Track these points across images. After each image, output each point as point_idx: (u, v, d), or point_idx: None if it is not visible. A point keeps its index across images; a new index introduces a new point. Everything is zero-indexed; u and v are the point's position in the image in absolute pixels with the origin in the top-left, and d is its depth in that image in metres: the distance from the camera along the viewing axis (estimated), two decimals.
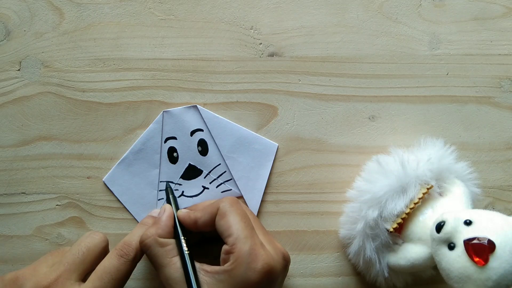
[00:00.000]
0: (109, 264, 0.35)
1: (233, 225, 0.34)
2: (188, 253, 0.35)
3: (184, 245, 0.36)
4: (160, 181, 0.42)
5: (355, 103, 0.43)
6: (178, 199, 0.42)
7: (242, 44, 0.43)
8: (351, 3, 0.43)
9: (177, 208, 0.39)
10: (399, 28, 0.43)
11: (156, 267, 0.36)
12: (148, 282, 0.42)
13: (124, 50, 0.42)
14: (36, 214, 0.42)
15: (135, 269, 0.36)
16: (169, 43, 0.42)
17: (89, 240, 0.36)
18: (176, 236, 0.37)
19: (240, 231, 0.34)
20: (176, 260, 0.35)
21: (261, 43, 0.43)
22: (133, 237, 0.37)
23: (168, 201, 0.40)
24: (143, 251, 0.36)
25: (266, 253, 0.34)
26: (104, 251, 0.36)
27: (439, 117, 0.43)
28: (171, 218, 0.38)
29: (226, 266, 0.34)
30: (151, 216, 0.39)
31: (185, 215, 0.38)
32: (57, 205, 0.42)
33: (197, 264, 0.35)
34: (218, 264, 0.35)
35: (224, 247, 0.35)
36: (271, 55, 0.43)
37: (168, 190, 0.41)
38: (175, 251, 0.35)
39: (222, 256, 0.35)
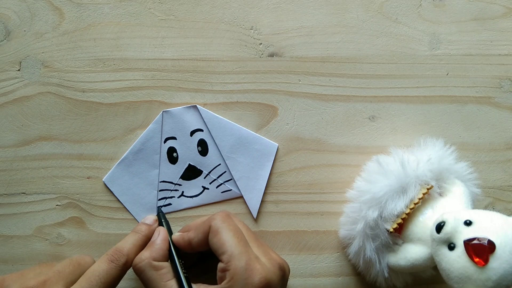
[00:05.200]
0: (99, 267, 0.35)
1: (226, 242, 0.34)
2: (186, 276, 0.35)
3: (179, 267, 0.36)
4: (160, 186, 0.42)
5: (355, 103, 0.43)
6: (178, 199, 0.42)
7: (242, 44, 0.43)
8: (351, 3, 0.43)
9: (170, 231, 0.39)
10: (399, 28, 0.43)
11: None
12: (140, 283, 0.41)
13: (124, 50, 0.42)
14: (36, 214, 0.42)
15: (129, 269, 0.36)
16: (169, 43, 0.42)
17: (81, 257, 0.37)
18: (171, 259, 0.37)
19: (234, 248, 0.34)
20: (172, 284, 0.35)
21: (261, 43, 0.43)
22: (125, 243, 0.37)
23: (161, 225, 0.40)
24: (137, 274, 0.36)
25: (262, 267, 0.34)
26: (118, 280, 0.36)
27: (439, 117, 0.43)
28: (166, 241, 0.38)
29: (223, 284, 0.33)
30: (144, 224, 0.39)
31: (179, 238, 0.38)
32: (57, 205, 0.42)
33: (193, 286, 0.35)
34: (215, 281, 0.35)
35: (220, 265, 0.34)
36: (271, 55, 0.43)
37: (160, 215, 0.40)
38: (170, 274, 0.35)
39: (218, 274, 0.34)
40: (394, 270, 0.38)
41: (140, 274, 0.36)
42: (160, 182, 0.42)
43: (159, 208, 0.42)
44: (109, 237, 0.42)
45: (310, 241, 0.42)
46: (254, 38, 0.43)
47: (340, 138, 0.43)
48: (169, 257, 0.37)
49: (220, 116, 0.42)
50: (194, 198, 0.42)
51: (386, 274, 0.38)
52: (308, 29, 0.43)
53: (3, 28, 0.42)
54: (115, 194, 0.42)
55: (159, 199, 0.42)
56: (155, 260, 0.36)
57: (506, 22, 0.44)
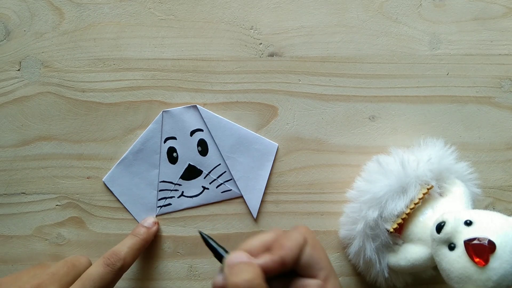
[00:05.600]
0: (94, 271, 0.34)
1: (324, 257, 0.31)
2: None
3: None
4: (160, 186, 0.42)
5: (355, 103, 0.43)
6: (178, 199, 0.42)
7: (242, 44, 0.43)
8: (351, 3, 0.43)
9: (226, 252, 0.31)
10: (399, 28, 0.43)
11: None
12: (140, 283, 0.42)
13: (124, 50, 0.42)
14: (36, 214, 0.42)
15: (128, 269, 0.37)
16: (169, 43, 0.42)
17: (76, 258, 0.36)
18: None
19: (330, 265, 0.31)
20: None
21: (261, 43, 0.43)
22: (123, 247, 0.37)
23: (217, 256, 0.31)
24: None
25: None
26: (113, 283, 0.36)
27: (439, 117, 0.43)
28: (261, 276, 0.28)
29: None
30: (143, 226, 0.39)
31: (266, 262, 0.29)
32: (57, 205, 0.42)
33: None
34: None
35: (313, 282, 0.30)
36: (271, 55, 0.43)
37: (211, 241, 0.32)
38: None
39: None
40: (394, 270, 0.38)
41: None
42: (160, 182, 0.42)
43: (203, 235, 0.32)
44: (109, 237, 0.42)
45: None
46: (254, 38, 0.43)
47: (340, 138, 0.43)
48: None
49: (220, 116, 0.42)
50: (194, 198, 0.42)
51: (386, 274, 0.38)
52: (308, 29, 0.43)
53: (3, 28, 0.42)
54: (115, 194, 0.42)
55: (159, 199, 0.42)
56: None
57: (506, 22, 0.44)
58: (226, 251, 0.31)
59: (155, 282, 0.42)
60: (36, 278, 0.34)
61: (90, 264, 0.37)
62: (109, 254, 0.36)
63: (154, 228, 0.39)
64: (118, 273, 0.35)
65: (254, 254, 0.30)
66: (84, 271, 0.35)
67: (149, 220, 0.40)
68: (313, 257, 0.30)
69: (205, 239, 0.32)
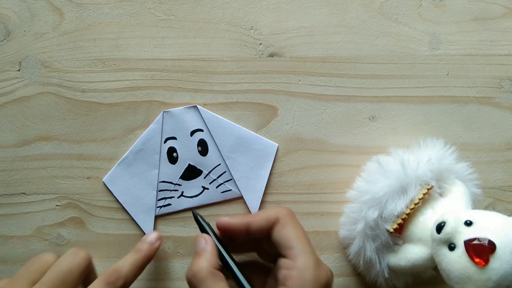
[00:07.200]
0: None
1: (296, 236, 0.33)
2: (250, 284, 0.33)
3: (239, 274, 0.33)
4: (160, 187, 0.42)
5: (355, 104, 0.43)
6: (177, 200, 0.42)
7: (242, 45, 0.43)
8: (351, 3, 0.43)
9: (215, 235, 0.36)
10: (399, 28, 0.43)
11: None
12: (140, 283, 0.42)
13: (124, 50, 0.42)
14: (36, 214, 0.42)
15: None
16: (169, 43, 0.42)
17: (71, 259, 0.34)
18: (226, 267, 0.34)
19: (303, 244, 0.32)
20: None
21: (261, 43, 0.43)
22: (125, 263, 0.35)
23: (202, 230, 0.37)
24: (192, 285, 0.33)
25: (327, 268, 0.33)
26: (86, 270, 0.35)
27: (440, 118, 0.43)
28: (216, 248, 0.35)
29: (293, 280, 0.31)
30: (145, 243, 0.37)
31: (233, 220, 0.35)
32: (57, 205, 0.42)
33: None
34: None
35: (283, 261, 0.32)
36: (271, 55, 0.43)
37: (200, 218, 0.37)
38: (225, 283, 0.32)
39: (283, 272, 0.32)
40: (394, 271, 0.38)
41: (198, 284, 0.32)
42: (160, 182, 0.42)
43: (193, 210, 0.38)
44: (108, 238, 0.42)
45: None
46: (254, 38, 0.43)
47: (340, 138, 0.43)
48: (222, 265, 0.34)
49: (220, 116, 0.42)
50: (194, 198, 0.42)
51: (387, 275, 0.38)
52: (308, 29, 0.43)
53: (3, 28, 0.42)
54: (115, 195, 0.42)
55: (159, 199, 0.42)
56: (214, 267, 0.33)
57: (506, 22, 0.44)
58: (211, 229, 0.36)
59: (155, 282, 0.42)
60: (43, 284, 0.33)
61: (89, 261, 0.35)
62: (110, 272, 0.34)
63: (157, 244, 0.37)
64: None
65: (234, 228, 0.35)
66: (82, 272, 0.34)
67: (152, 236, 0.38)
68: (282, 236, 0.33)
69: (195, 216, 0.37)
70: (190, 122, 0.42)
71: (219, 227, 0.36)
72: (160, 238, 0.38)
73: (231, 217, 0.36)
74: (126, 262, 0.35)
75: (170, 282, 0.42)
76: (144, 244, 0.37)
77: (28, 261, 0.35)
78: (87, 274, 0.35)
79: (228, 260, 0.34)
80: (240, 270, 0.34)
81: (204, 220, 0.37)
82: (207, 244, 0.34)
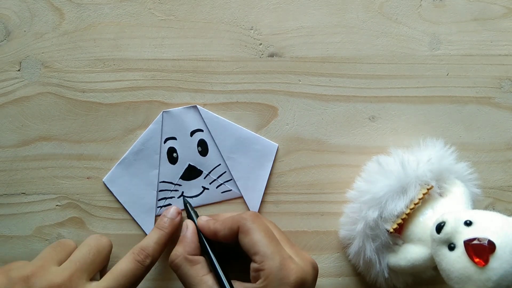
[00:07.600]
0: (126, 267, 0.35)
1: (258, 242, 0.34)
2: (224, 270, 0.35)
3: (215, 261, 0.36)
4: (160, 187, 0.42)
5: (355, 104, 0.43)
6: (178, 200, 0.42)
7: (242, 45, 0.43)
8: (351, 4, 0.43)
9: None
10: (399, 29, 0.43)
11: (187, 287, 0.35)
12: (140, 283, 0.42)
13: (124, 50, 0.42)
14: (36, 214, 0.42)
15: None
16: (169, 43, 0.42)
17: (98, 242, 0.37)
18: (204, 252, 0.37)
19: (266, 248, 0.33)
20: (208, 279, 0.35)
21: (261, 44, 0.43)
22: (150, 242, 0.37)
23: (189, 217, 0.40)
24: (173, 270, 0.36)
25: (296, 266, 0.33)
26: (109, 255, 0.37)
27: (439, 118, 0.43)
28: (196, 234, 0.38)
29: (258, 283, 0.33)
30: (166, 218, 0.39)
31: (205, 224, 0.37)
32: (57, 205, 0.42)
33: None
34: (247, 279, 0.34)
35: (253, 265, 0.34)
36: (271, 55, 0.43)
37: (188, 206, 0.40)
38: (205, 269, 0.35)
39: (252, 274, 0.34)
40: (394, 271, 0.38)
41: (176, 270, 0.36)
42: (160, 182, 0.42)
43: (184, 198, 0.41)
44: (109, 238, 0.41)
45: (310, 242, 0.42)
46: (254, 39, 0.43)
47: (340, 138, 0.43)
48: (202, 251, 0.37)
49: (220, 116, 0.42)
50: (194, 198, 0.42)
51: (386, 275, 0.38)
52: (308, 29, 0.43)
53: (3, 28, 0.42)
54: (115, 195, 0.42)
55: (159, 200, 0.42)
56: (189, 254, 0.36)
57: (506, 22, 0.44)
58: (198, 216, 0.39)
59: (155, 282, 0.42)
60: (65, 270, 0.34)
61: (111, 247, 0.38)
62: (138, 250, 0.36)
63: (178, 218, 0.39)
64: (147, 268, 0.36)
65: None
66: (106, 255, 0.37)
67: (172, 210, 0.39)
68: (244, 243, 0.34)
69: (185, 204, 0.40)
70: (190, 122, 0.42)
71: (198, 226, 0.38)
72: (180, 213, 0.40)
73: (208, 219, 0.38)
74: (151, 240, 0.37)
75: (170, 282, 0.42)
76: (166, 220, 0.39)
77: (48, 245, 0.37)
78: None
79: (209, 251, 0.36)
80: (218, 257, 0.36)
81: (192, 208, 0.40)
82: (187, 231, 0.37)
